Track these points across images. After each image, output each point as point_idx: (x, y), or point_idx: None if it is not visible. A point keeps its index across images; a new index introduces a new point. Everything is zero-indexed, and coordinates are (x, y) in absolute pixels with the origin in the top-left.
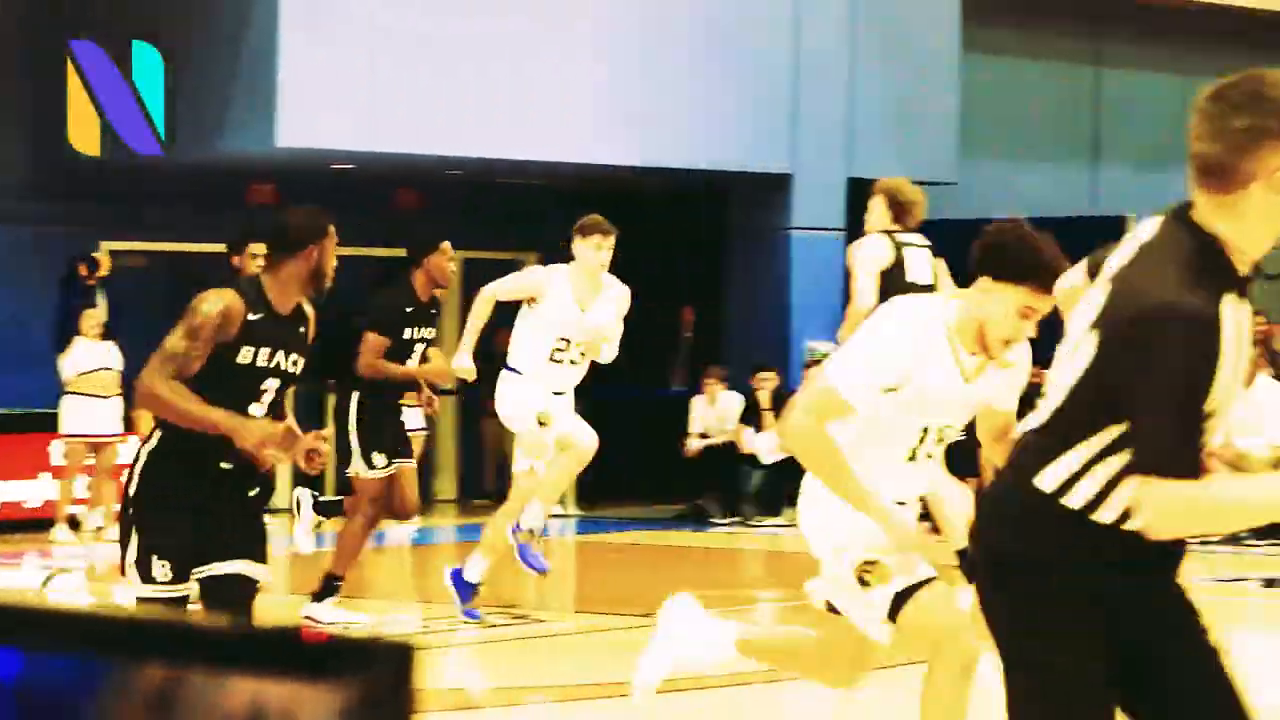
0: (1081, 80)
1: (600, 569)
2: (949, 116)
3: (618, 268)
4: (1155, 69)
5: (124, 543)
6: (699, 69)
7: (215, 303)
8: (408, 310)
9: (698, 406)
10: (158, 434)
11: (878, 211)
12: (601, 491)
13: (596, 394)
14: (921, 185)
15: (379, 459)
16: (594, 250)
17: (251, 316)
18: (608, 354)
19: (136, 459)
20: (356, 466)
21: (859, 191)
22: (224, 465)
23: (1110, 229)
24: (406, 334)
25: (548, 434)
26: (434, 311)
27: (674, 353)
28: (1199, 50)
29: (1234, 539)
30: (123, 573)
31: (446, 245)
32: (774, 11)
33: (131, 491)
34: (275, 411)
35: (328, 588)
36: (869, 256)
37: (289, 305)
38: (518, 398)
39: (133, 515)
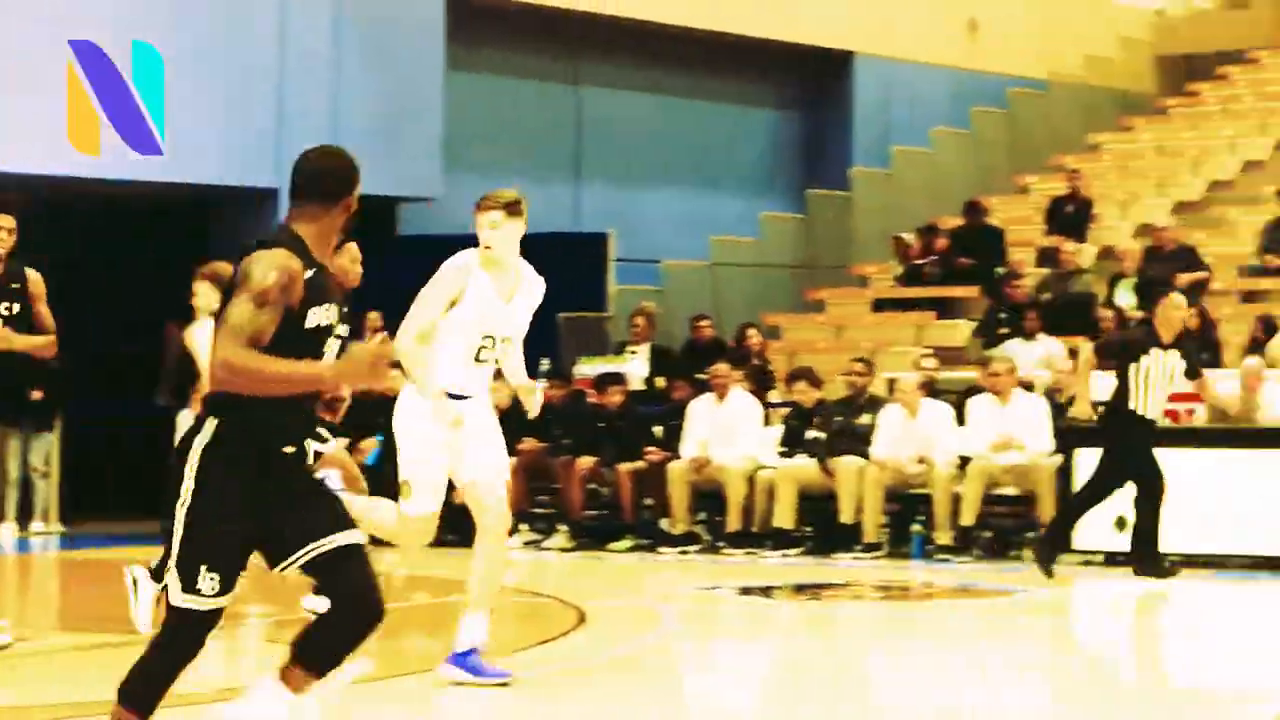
0: (563, 99)
1: (85, 586)
2: (434, 133)
3: (104, 283)
4: (632, 89)
5: (167, 542)
6: (183, 84)
7: (274, 259)
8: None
9: (184, 421)
10: (212, 423)
11: (207, 295)
12: (86, 507)
13: (80, 410)
14: (408, 201)
15: None
16: (485, 227)
17: (308, 274)
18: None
19: (186, 452)
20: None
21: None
22: (286, 450)
23: (592, 245)
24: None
25: (404, 507)
26: (346, 310)
27: (161, 368)
28: (675, 72)
29: (713, 548)
30: (158, 575)
31: (348, 246)
32: (259, 27)
33: (183, 488)
34: None
35: None
36: (201, 341)
37: (328, 258)
38: (421, 425)
39: (183, 516)
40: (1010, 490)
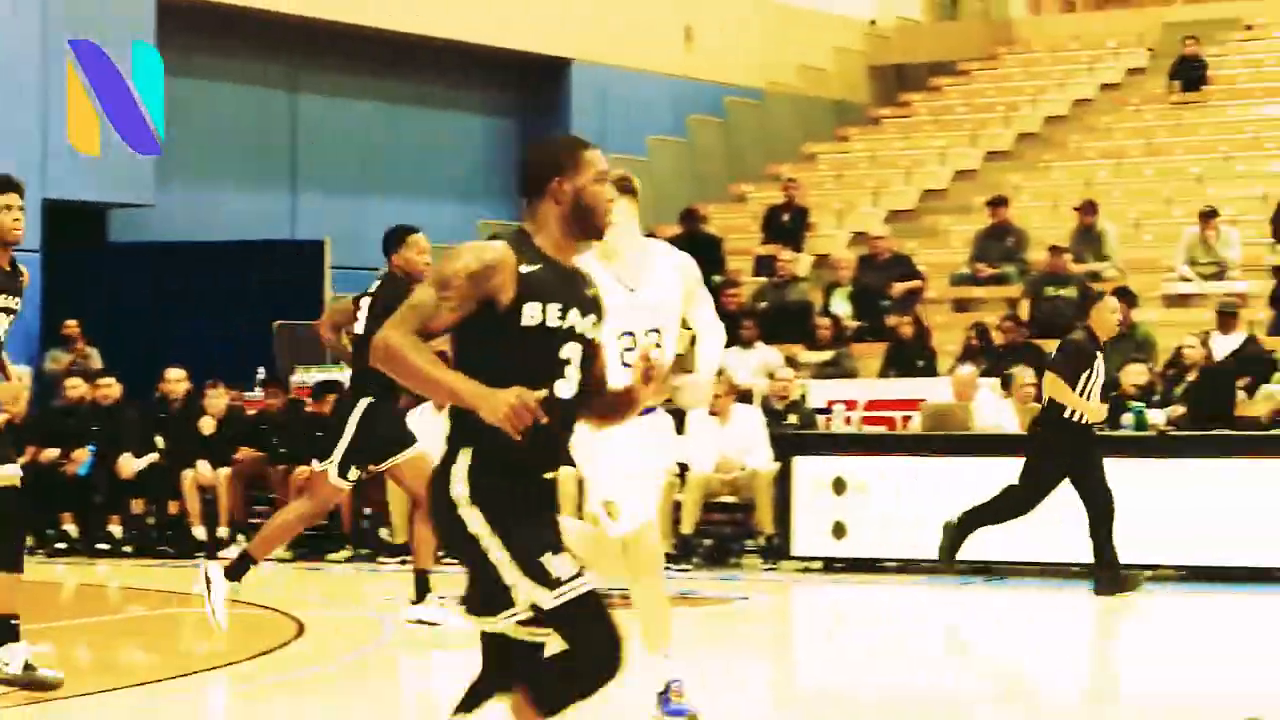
0: (279, 106)
1: None
2: None
3: None
4: (349, 96)
5: (489, 567)
6: None
7: (472, 247)
8: None
9: None
10: (465, 453)
11: None
12: None
13: None
14: (119, 207)
15: (353, 473)
16: None
17: (525, 268)
18: (708, 349)
19: (445, 486)
20: (328, 468)
21: (57, 213)
22: (547, 476)
23: (309, 253)
24: None
25: (612, 530)
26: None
27: None
28: (393, 78)
29: (434, 558)
30: (505, 603)
31: (413, 238)
32: None
33: (470, 523)
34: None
35: (242, 566)
36: None
37: (567, 256)
38: (607, 443)
39: (493, 541)
40: (729, 499)
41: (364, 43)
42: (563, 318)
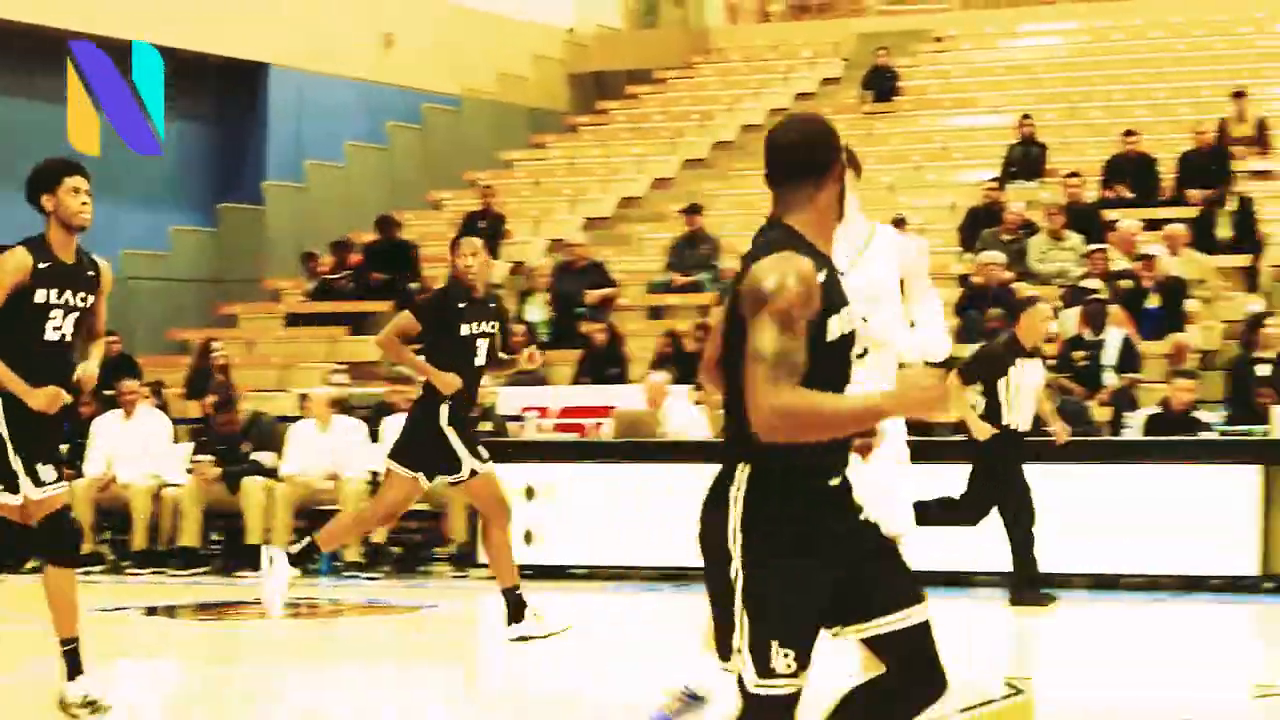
0: None
1: None
2: None
3: None
4: (35, 98)
5: (728, 622)
6: None
7: (790, 271)
8: (460, 306)
9: None
10: (744, 470)
11: None
12: None
13: None
14: None
15: (482, 453)
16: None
17: (821, 275)
18: (922, 340)
19: (723, 501)
20: (477, 468)
21: None
22: (833, 483)
23: None
24: (464, 330)
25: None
26: (491, 305)
27: None
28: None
29: (117, 568)
30: (726, 657)
31: (463, 241)
32: None
33: (734, 554)
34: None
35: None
36: None
37: (830, 244)
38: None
39: (743, 588)
40: (421, 506)
41: (49, 43)
42: (849, 321)
